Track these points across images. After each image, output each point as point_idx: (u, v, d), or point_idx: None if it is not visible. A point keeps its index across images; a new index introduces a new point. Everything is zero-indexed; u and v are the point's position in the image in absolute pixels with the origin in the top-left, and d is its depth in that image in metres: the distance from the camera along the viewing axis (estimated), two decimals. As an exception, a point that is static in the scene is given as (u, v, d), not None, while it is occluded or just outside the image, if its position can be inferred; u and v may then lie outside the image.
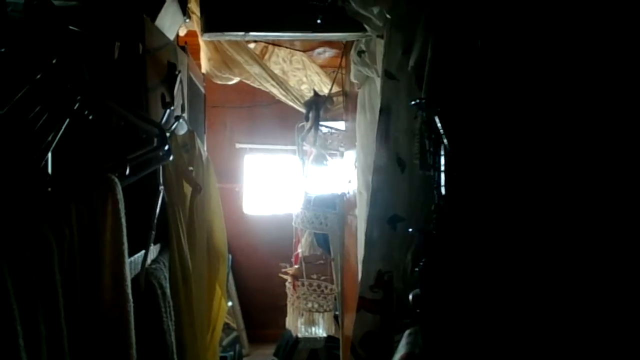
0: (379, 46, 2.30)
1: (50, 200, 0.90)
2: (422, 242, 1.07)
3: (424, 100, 1.07)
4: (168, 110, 1.52)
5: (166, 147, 1.32)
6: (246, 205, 5.89)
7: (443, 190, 1.01)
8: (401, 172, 1.45)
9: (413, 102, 1.09)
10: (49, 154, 0.94)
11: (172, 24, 2.03)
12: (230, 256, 5.30)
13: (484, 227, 0.95)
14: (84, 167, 1.03)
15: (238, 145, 5.73)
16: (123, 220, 0.99)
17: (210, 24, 1.97)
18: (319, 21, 1.90)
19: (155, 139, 1.32)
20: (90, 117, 1.04)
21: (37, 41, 0.95)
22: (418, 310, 0.98)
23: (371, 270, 1.44)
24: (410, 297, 1.01)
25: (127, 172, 1.11)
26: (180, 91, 1.95)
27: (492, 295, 0.91)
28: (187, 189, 1.87)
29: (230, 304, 5.49)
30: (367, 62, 2.47)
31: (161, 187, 1.44)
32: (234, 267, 5.71)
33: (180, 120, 1.85)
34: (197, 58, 3.56)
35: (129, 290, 0.99)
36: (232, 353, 5.07)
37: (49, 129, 0.94)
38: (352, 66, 2.66)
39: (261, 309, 5.79)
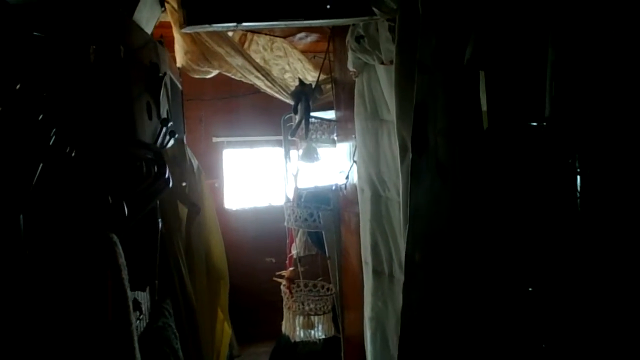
0: (383, 30, 2.07)
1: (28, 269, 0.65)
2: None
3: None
4: (165, 129, 1.26)
5: (166, 175, 1.07)
6: (227, 201, 5.62)
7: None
8: (442, 182, 1.23)
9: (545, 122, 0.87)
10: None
11: (150, 17, 1.75)
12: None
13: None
14: (69, 218, 0.77)
15: (215, 139, 5.44)
16: (128, 292, 0.75)
17: (195, 15, 1.69)
18: (328, 7, 1.65)
19: (153, 166, 1.07)
20: (73, 154, 0.78)
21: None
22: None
23: (413, 301, 1.23)
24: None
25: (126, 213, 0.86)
26: (165, 96, 1.67)
27: None
28: (182, 209, 1.62)
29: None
30: (367, 48, 2.22)
31: (159, 221, 1.19)
32: (219, 267, 5.45)
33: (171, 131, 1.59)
34: (171, 51, 3.25)
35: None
36: (222, 356, 4.86)
37: (19, 178, 0.68)
38: (350, 53, 2.41)
39: (248, 307, 5.58)
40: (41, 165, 0.71)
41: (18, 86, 0.67)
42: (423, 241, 1.21)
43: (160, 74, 1.59)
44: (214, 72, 3.28)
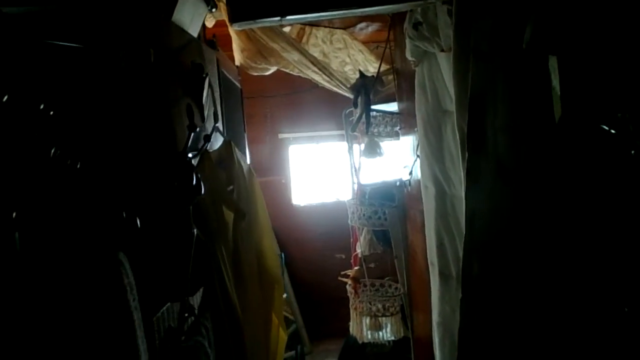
0: (442, 15, 1.91)
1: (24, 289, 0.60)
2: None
3: None
4: (193, 134, 1.20)
5: (193, 182, 1.00)
6: (294, 197, 5.61)
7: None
8: (503, 184, 1.07)
9: None
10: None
11: (194, 16, 1.70)
12: (282, 253, 5.08)
13: None
14: (75, 234, 0.71)
15: (281, 136, 5.43)
16: (135, 315, 0.68)
17: (239, 12, 1.62)
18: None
19: (178, 175, 1.00)
20: (78, 166, 0.72)
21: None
22: None
23: (472, 319, 1.08)
24: None
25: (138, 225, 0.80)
26: (210, 97, 1.62)
27: None
28: (229, 214, 1.56)
29: (285, 295, 5.27)
30: (426, 35, 2.07)
31: (194, 230, 1.13)
32: (288, 263, 5.47)
33: (214, 133, 1.54)
34: (229, 49, 3.25)
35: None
36: (293, 353, 4.85)
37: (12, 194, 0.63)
38: (408, 41, 2.26)
39: (319, 303, 5.55)
40: (37, 179, 0.66)
41: (5, 98, 0.62)
42: (482, 252, 1.06)
43: (204, 75, 1.54)
44: (272, 69, 3.23)
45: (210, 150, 1.56)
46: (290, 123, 5.46)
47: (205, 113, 1.57)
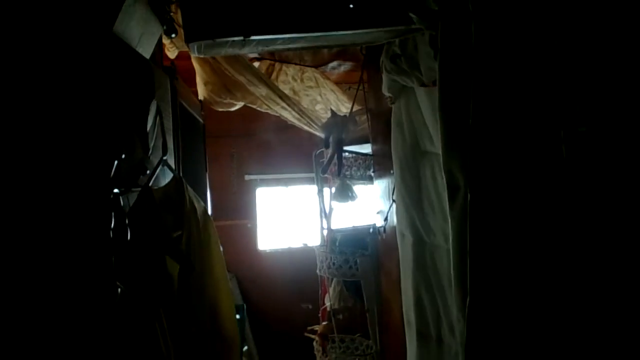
0: (423, 46, 1.74)
1: None
2: None
3: None
4: (122, 163, 0.94)
5: (112, 225, 0.75)
6: (260, 242, 5.32)
7: None
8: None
9: None
10: None
11: (144, 34, 1.48)
12: (244, 305, 4.74)
13: None
14: None
15: (247, 177, 5.19)
16: None
17: (195, 29, 1.41)
18: (351, 6, 1.34)
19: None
20: None
21: None
22: None
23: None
24: None
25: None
26: (159, 124, 1.39)
27: None
28: (174, 265, 1.30)
29: (245, 348, 4.91)
30: (405, 68, 1.90)
31: (119, 289, 0.87)
32: (251, 313, 5.13)
33: (160, 167, 1.29)
34: (194, 85, 3.03)
35: None
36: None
37: None
38: (385, 76, 2.09)
39: (288, 356, 5.17)
40: None
41: None
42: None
43: (151, 98, 1.31)
44: (238, 105, 3.02)
45: (155, 188, 1.31)
46: (257, 164, 5.25)
47: (151, 143, 1.33)
